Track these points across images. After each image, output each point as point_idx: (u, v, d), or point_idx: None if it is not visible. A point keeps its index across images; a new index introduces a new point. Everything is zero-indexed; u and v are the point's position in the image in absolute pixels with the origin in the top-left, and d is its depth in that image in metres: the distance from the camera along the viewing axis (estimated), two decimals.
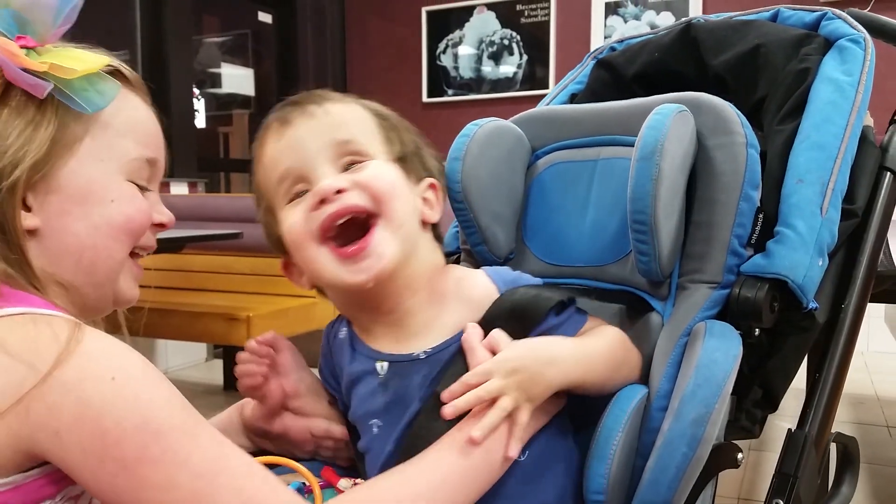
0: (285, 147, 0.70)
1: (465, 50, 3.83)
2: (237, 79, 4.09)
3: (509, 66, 3.72)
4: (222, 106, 4.10)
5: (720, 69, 0.96)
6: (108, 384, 0.51)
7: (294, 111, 0.72)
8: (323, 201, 0.67)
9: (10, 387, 0.50)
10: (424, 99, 3.98)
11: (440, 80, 3.93)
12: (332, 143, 0.70)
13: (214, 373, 3.02)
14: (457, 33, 3.83)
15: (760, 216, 0.78)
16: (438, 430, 0.66)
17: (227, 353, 2.90)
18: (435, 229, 0.79)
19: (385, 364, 0.73)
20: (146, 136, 0.66)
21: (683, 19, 1.04)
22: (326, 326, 0.82)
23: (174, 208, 0.72)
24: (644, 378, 0.76)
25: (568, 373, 0.67)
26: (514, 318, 0.69)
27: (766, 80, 0.90)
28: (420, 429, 0.67)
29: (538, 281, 0.78)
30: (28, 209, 0.59)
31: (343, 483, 0.75)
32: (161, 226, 0.68)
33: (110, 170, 0.62)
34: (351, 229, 0.69)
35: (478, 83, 3.81)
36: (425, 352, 0.71)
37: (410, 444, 0.67)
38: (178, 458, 0.52)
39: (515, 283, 0.74)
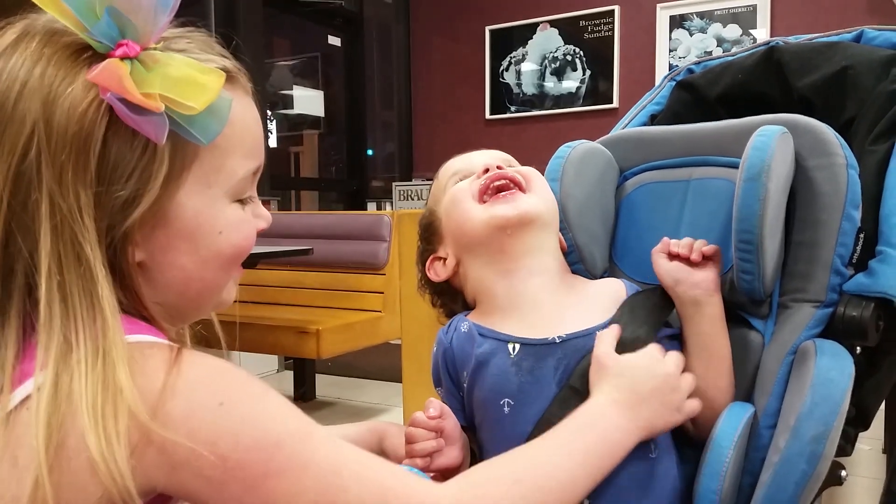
0: (460, 160, 0.90)
1: (528, 66, 3.86)
2: (307, 100, 4.21)
3: (572, 82, 3.73)
4: (293, 126, 4.23)
5: (806, 91, 0.97)
6: (216, 411, 0.49)
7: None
8: (486, 171, 0.82)
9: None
10: (487, 116, 4.03)
11: (503, 97, 3.98)
12: (499, 157, 0.87)
13: (285, 384, 3.10)
14: (520, 50, 3.86)
15: (861, 235, 0.78)
16: None
17: (297, 365, 2.98)
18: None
19: (517, 345, 0.77)
20: (252, 146, 0.60)
21: (764, 41, 1.05)
22: (439, 332, 0.85)
23: None
24: (746, 395, 0.77)
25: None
26: (648, 314, 0.77)
27: (855, 101, 0.91)
28: (553, 416, 0.70)
29: None
30: (134, 243, 0.54)
31: None
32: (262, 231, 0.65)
33: (217, 196, 0.57)
34: None
35: (540, 99, 3.83)
36: (560, 337, 0.76)
37: (543, 431, 0.69)
38: (300, 462, 0.51)
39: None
